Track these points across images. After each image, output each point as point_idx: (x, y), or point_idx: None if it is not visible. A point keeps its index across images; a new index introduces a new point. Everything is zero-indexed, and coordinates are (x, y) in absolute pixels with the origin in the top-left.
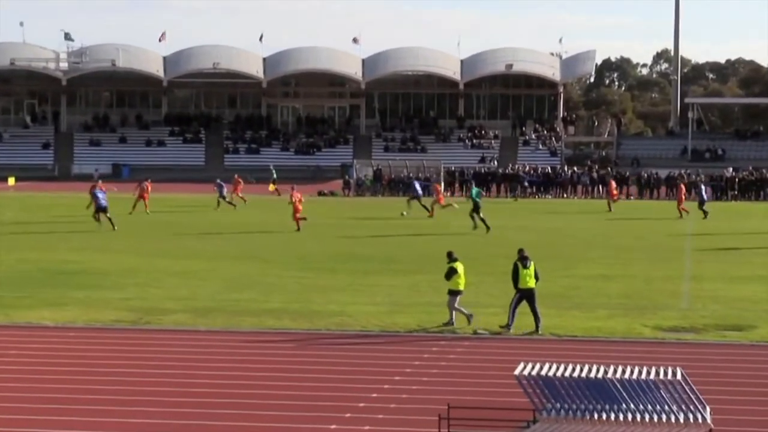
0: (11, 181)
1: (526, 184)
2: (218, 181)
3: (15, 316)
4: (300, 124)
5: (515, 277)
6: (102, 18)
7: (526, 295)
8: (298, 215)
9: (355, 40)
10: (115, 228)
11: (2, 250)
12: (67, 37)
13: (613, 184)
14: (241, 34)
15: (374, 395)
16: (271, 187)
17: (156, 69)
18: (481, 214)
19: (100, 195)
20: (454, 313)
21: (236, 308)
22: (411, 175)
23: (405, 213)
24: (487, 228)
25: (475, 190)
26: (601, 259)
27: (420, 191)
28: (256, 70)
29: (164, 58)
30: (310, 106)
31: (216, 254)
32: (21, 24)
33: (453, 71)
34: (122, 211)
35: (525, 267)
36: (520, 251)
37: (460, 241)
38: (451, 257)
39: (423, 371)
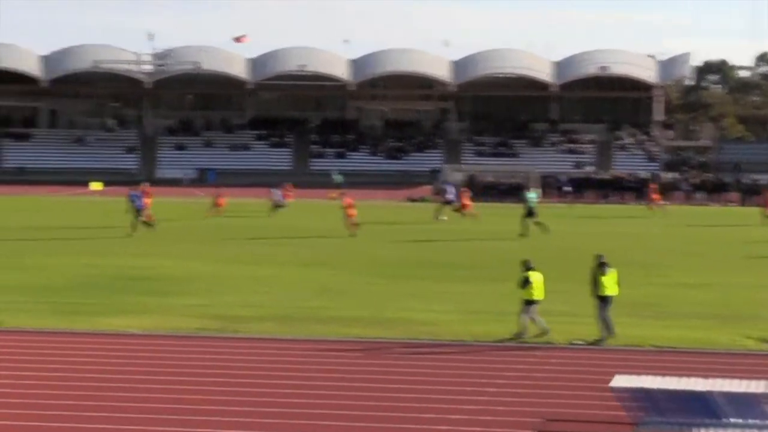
0: (99, 185)
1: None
2: (273, 189)
3: (97, 323)
4: (388, 128)
5: (594, 284)
6: (186, 19)
7: (604, 303)
8: (352, 220)
9: (446, 44)
10: (133, 233)
11: (71, 254)
12: (150, 37)
13: (653, 187)
14: (327, 35)
15: (469, 407)
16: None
17: (241, 71)
18: (537, 219)
19: (135, 199)
20: (527, 323)
21: (318, 316)
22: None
23: (445, 218)
24: (545, 229)
25: (530, 194)
26: (680, 265)
27: (453, 196)
28: (342, 72)
29: (249, 60)
30: (398, 109)
31: (287, 260)
32: (105, 26)
33: (545, 73)
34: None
35: (603, 274)
36: (599, 257)
37: (544, 247)
38: (526, 266)
39: (517, 382)
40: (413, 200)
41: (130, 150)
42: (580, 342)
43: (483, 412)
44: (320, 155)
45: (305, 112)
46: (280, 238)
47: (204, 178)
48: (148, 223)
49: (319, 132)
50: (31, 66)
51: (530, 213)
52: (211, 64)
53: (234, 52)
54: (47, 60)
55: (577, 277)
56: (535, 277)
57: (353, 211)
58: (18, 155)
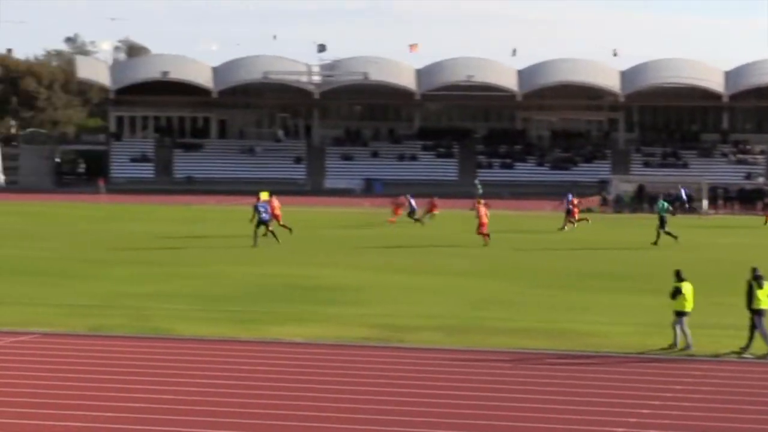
0: (264, 195)
1: None
2: (408, 196)
3: (264, 331)
4: (555, 138)
5: (749, 297)
6: (354, 30)
7: (759, 316)
8: (483, 230)
9: (614, 54)
10: (279, 241)
11: (246, 264)
12: (320, 48)
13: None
14: (494, 46)
15: (632, 420)
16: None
17: (408, 82)
18: (667, 228)
19: (261, 209)
20: (679, 335)
21: (484, 326)
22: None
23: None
24: (675, 238)
25: (662, 204)
26: None
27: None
28: (510, 82)
29: (417, 71)
30: (566, 119)
31: (461, 270)
32: (274, 37)
33: (716, 83)
34: (375, 221)
35: (760, 287)
36: (754, 270)
37: (710, 259)
38: (678, 276)
39: (684, 396)
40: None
41: (298, 160)
42: (750, 356)
43: (648, 425)
44: (487, 166)
45: (472, 123)
46: (448, 247)
47: (371, 189)
48: (285, 227)
49: (486, 142)
50: (202, 77)
51: (662, 223)
52: (379, 75)
53: (402, 63)
54: (218, 71)
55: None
56: (686, 288)
57: (486, 220)
58: (188, 165)
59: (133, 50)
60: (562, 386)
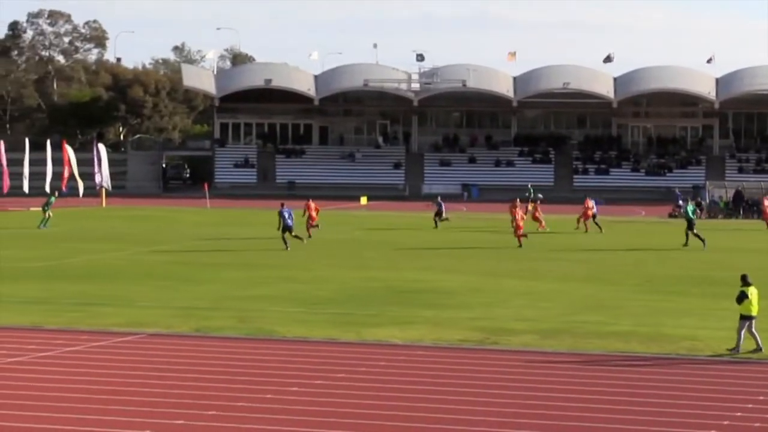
0: (363, 200)
1: None
2: (438, 199)
3: (364, 333)
4: (650, 145)
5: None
6: (453, 39)
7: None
8: (520, 232)
9: (709, 61)
10: (304, 241)
11: (349, 268)
12: (419, 57)
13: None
14: (589, 53)
15: (725, 423)
16: (531, 206)
17: (506, 89)
18: (695, 231)
19: (285, 214)
20: (743, 338)
21: (583, 330)
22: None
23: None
24: (703, 242)
25: (690, 207)
26: None
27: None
28: (606, 90)
29: (514, 79)
30: (661, 126)
31: (561, 275)
32: (374, 46)
33: None
34: (471, 225)
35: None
36: (744, 277)
37: None
38: (744, 281)
39: None
40: (673, 216)
41: (397, 166)
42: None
43: (740, 428)
44: (583, 171)
45: (568, 129)
46: (545, 252)
47: (468, 194)
48: (313, 228)
49: (582, 148)
50: (304, 85)
51: (690, 225)
52: (476, 83)
53: (499, 71)
54: (319, 79)
55: None
56: (752, 293)
57: (522, 224)
58: (290, 170)
59: (238, 59)
60: (654, 388)
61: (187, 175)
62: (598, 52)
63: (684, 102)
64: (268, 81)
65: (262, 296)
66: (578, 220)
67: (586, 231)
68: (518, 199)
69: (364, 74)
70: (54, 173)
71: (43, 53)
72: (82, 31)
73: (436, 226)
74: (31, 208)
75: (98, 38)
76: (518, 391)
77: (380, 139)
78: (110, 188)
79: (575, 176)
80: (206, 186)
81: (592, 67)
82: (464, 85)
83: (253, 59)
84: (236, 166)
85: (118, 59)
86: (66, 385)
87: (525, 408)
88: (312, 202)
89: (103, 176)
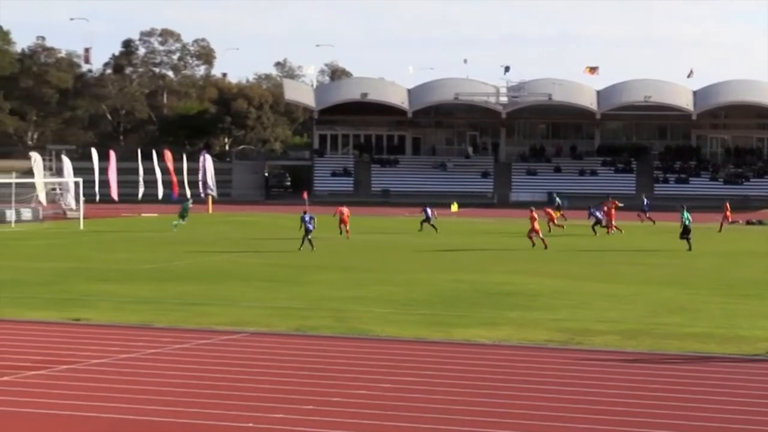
0: (454, 207)
1: None
2: (426, 207)
3: (454, 333)
4: (728, 155)
5: None
6: (538, 54)
7: None
8: (531, 234)
9: None
10: (313, 248)
11: (441, 271)
12: (506, 70)
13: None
14: (670, 67)
15: None
16: (556, 213)
17: (590, 102)
18: (688, 236)
19: (307, 218)
20: None
21: (662, 332)
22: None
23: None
24: (689, 247)
25: (685, 213)
26: None
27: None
28: (685, 102)
29: (597, 92)
30: (738, 137)
31: (643, 279)
32: (465, 61)
33: None
34: (555, 231)
35: None
36: None
37: None
38: None
39: None
40: (751, 223)
41: (485, 175)
42: None
43: None
44: (663, 180)
45: (649, 140)
46: (623, 255)
47: (552, 201)
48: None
49: (662, 159)
50: (399, 99)
51: (686, 230)
52: (562, 96)
53: (584, 85)
54: (412, 93)
55: None
56: None
57: (537, 225)
58: (384, 179)
59: (336, 73)
60: (735, 387)
61: (288, 184)
62: (677, 67)
63: (760, 114)
64: (365, 94)
65: (358, 297)
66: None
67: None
68: (556, 209)
69: (455, 88)
70: (164, 181)
71: (154, 69)
72: (191, 48)
73: (421, 229)
74: (143, 214)
75: (206, 55)
76: (605, 390)
77: (470, 150)
78: (216, 196)
79: (656, 185)
80: (306, 194)
81: (672, 80)
82: (550, 99)
83: (350, 74)
84: (334, 174)
85: (224, 74)
86: (174, 380)
87: (616, 406)
88: (344, 207)
89: (210, 184)
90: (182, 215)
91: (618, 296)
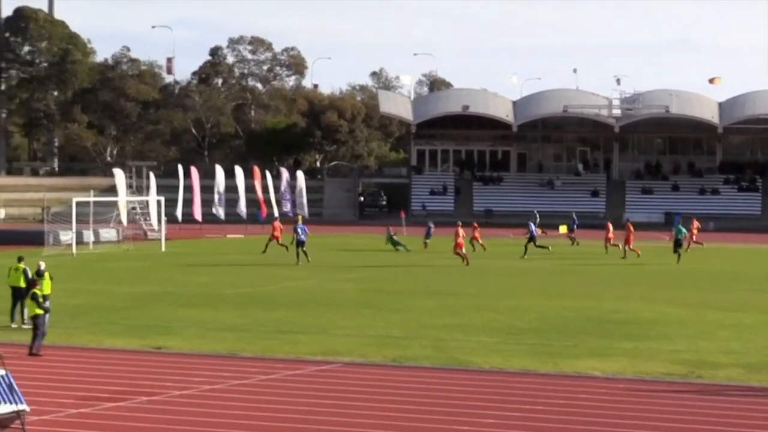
0: (562, 229)
1: None
2: (429, 223)
3: (563, 364)
4: None
5: None
6: (653, 63)
7: None
8: (458, 250)
9: None
10: (309, 260)
11: (545, 296)
12: (617, 82)
13: (610, 227)
14: None
15: None
16: (563, 229)
17: (710, 115)
18: (680, 250)
19: (299, 230)
20: None
21: None
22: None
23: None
24: (678, 260)
25: (679, 227)
26: None
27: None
28: None
29: (719, 104)
30: None
31: (762, 306)
32: (574, 71)
33: None
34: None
35: None
36: None
37: None
38: None
39: None
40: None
41: (595, 193)
42: None
43: None
44: None
45: None
46: (743, 282)
47: (671, 222)
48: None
49: None
50: (503, 111)
51: (678, 244)
52: (680, 108)
53: (703, 96)
54: (518, 105)
55: None
56: None
57: (462, 242)
58: (487, 198)
59: (435, 84)
60: None
61: (384, 203)
62: None
63: None
64: (466, 107)
65: (457, 325)
66: None
67: None
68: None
69: (564, 100)
70: (248, 200)
71: (242, 81)
72: (281, 58)
73: (426, 247)
74: (228, 235)
75: (297, 65)
76: (729, 428)
77: (580, 167)
78: (307, 215)
79: None
80: (403, 213)
81: None
82: (667, 111)
83: (451, 85)
84: (433, 193)
85: (315, 85)
86: (261, 413)
87: None
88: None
89: (299, 203)
90: (394, 243)
91: (740, 325)
